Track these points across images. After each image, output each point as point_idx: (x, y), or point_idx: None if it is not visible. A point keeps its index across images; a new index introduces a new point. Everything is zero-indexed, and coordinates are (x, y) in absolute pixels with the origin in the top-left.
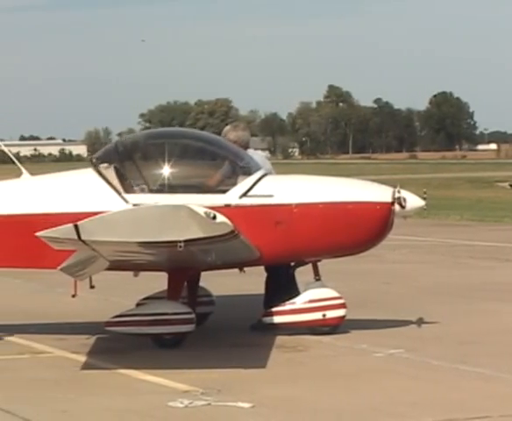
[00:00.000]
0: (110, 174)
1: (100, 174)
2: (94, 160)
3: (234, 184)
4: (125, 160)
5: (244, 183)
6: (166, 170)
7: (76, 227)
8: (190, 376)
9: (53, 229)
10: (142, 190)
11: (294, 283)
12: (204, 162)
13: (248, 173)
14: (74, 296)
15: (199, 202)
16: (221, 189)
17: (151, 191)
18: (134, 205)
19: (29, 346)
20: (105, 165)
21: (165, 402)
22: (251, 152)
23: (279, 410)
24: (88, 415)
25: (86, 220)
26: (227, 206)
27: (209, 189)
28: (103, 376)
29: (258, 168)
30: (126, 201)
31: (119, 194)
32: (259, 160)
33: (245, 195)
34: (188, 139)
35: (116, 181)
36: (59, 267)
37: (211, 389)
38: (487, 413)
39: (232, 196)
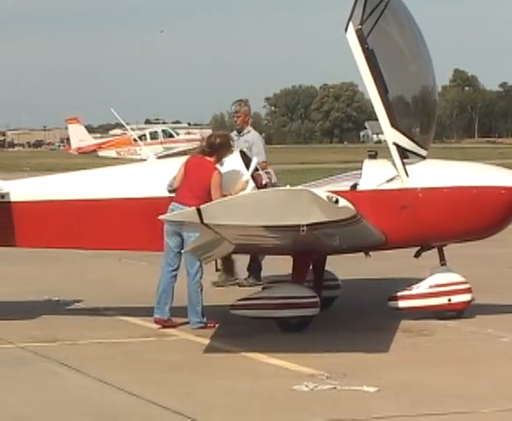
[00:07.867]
0: None
1: None
2: None
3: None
4: None
5: None
6: None
7: (199, 211)
8: (315, 360)
9: (176, 212)
10: None
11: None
12: None
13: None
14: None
15: None
16: None
17: None
18: None
19: (154, 330)
20: None
21: (290, 385)
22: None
23: (404, 394)
24: (212, 397)
25: (208, 204)
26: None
27: None
28: (226, 359)
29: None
30: None
31: None
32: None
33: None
34: None
35: None
36: (184, 251)
37: (337, 373)
38: None
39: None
